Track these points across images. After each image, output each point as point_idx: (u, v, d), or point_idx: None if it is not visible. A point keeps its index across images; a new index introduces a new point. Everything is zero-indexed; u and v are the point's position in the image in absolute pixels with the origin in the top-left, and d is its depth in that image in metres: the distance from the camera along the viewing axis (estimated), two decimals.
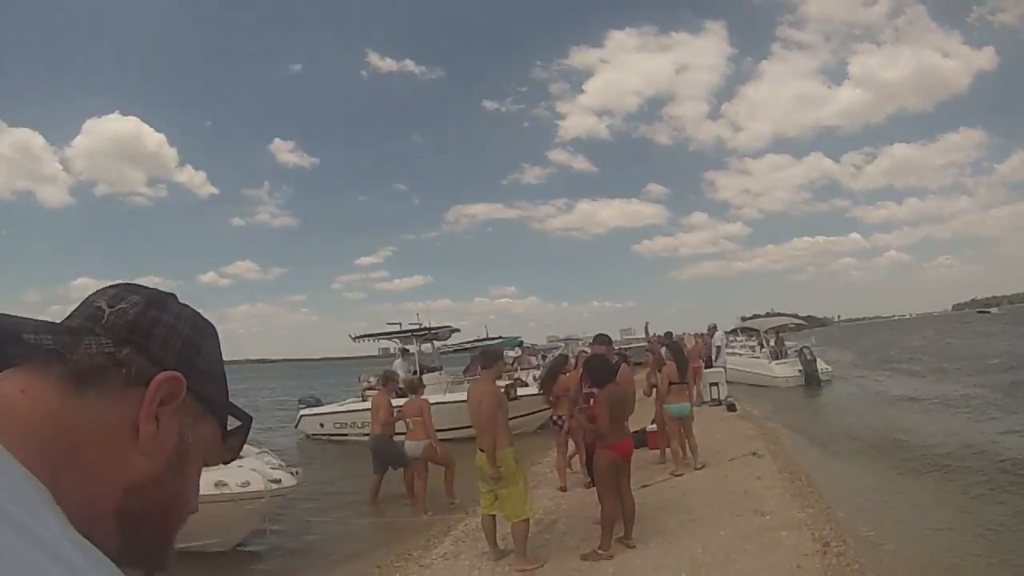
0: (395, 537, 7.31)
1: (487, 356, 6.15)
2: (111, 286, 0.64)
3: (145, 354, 0.58)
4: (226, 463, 0.72)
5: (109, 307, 0.60)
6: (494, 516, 5.54)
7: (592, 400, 5.66)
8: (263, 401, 31.84)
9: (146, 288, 0.65)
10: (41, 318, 0.58)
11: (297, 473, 7.67)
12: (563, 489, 7.81)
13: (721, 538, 5.19)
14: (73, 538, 0.43)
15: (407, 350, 16.45)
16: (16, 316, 0.57)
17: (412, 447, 8.25)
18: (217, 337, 0.68)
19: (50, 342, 0.54)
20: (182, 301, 0.66)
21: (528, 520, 5.37)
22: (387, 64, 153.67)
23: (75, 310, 0.61)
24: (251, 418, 0.71)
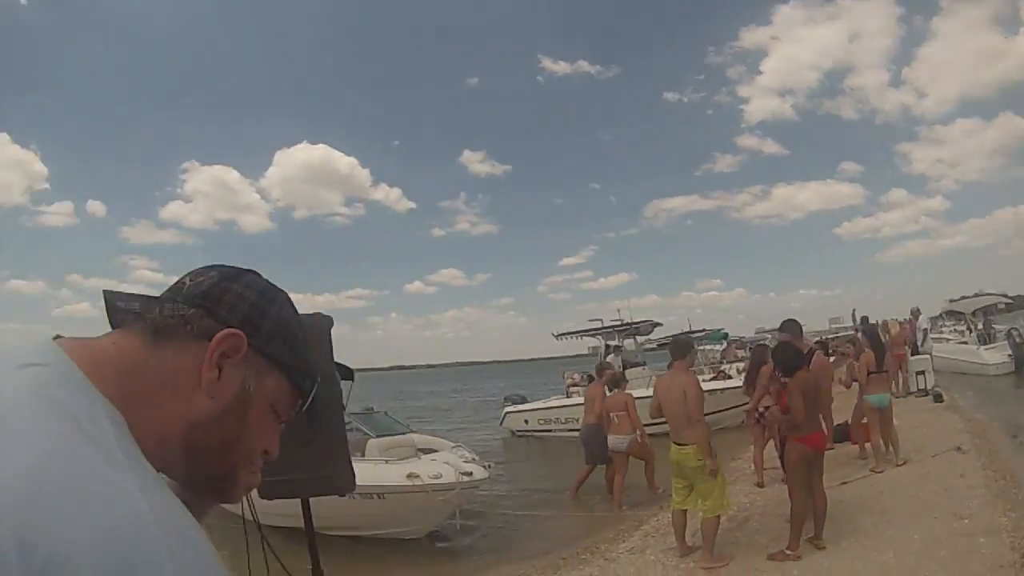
0: (587, 531, 7.53)
1: (679, 346, 5.91)
2: (202, 267, 0.77)
3: (212, 315, 0.70)
4: (305, 419, 0.83)
5: (190, 280, 0.74)
6: (685, 512, 5.57)
7: (783, 390, 5.47)
8: (471, 401, 33.91)
9: (227, 266, 0.78)
10: None
11: (489, 467, 8.12)
12: (760, 485, 7.67)
13: (915, 543, 4.94)
14: (126, 447, 0.57)
15: (618, 346, 16.80)
16: (126, 292, 0.73)
17: (616, 441, 8.32)
18: (288, 305, 0.79)
19: (136, 307, 0.70)
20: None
21: (719, 517, 5.35)
22: (561, 67, 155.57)
23: (170, 287, 0.75)
24: (316, 378, 0.82)
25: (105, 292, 0.73)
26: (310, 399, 0.81)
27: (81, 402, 0.58)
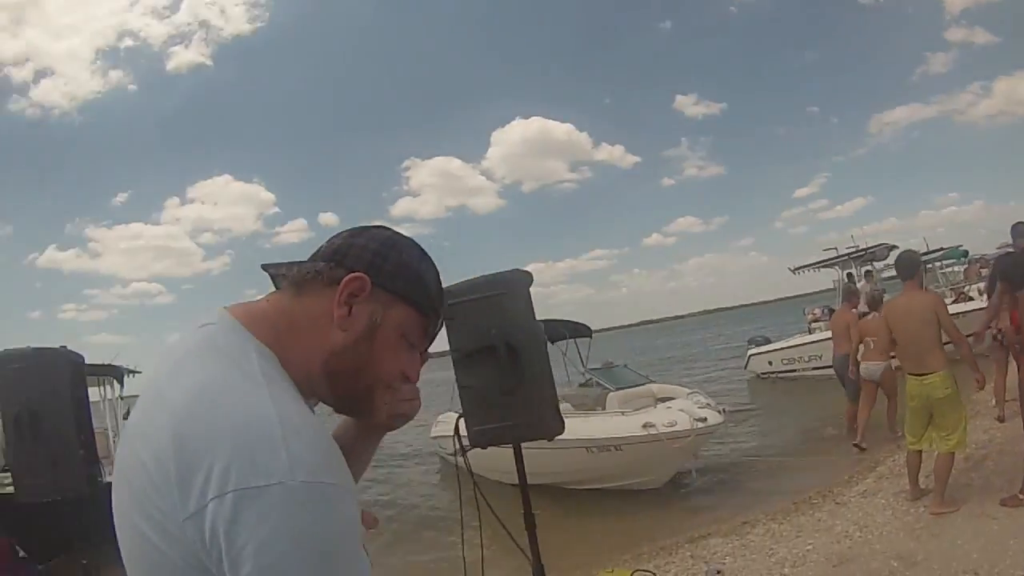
0: (823, 474, 7.26)
1: (904, 263, 5.32)
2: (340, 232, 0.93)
3: (341, 265, 0.84)
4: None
5: (327, 243, 0.90)
6: (920, 452, 5.25)
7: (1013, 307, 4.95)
8: (716, 348, 33.13)
9: (358, 227, 0.92)
10: None
11: (724, 411, 8.02)
12: (1000, 419, 6.78)
13: None
14: (267, 372, 0.74)
15: (869, 270, 15.61)
16: (277, 262, 0.91)
17: (869, 369, 7.77)
18: (412, 249, 0.91)
19: (284, 271, 0.88)
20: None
21: (954, 455, 4.98)
22: None
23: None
24: (435, 306, 0.92)
25: (262, 265, 0.92)
26: (440, 324, 0.95)
27: (235, 344, 0.78)
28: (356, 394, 0.89)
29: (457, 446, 2.93)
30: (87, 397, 3.61)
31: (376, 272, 0.86)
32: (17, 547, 6.67)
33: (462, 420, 2.91)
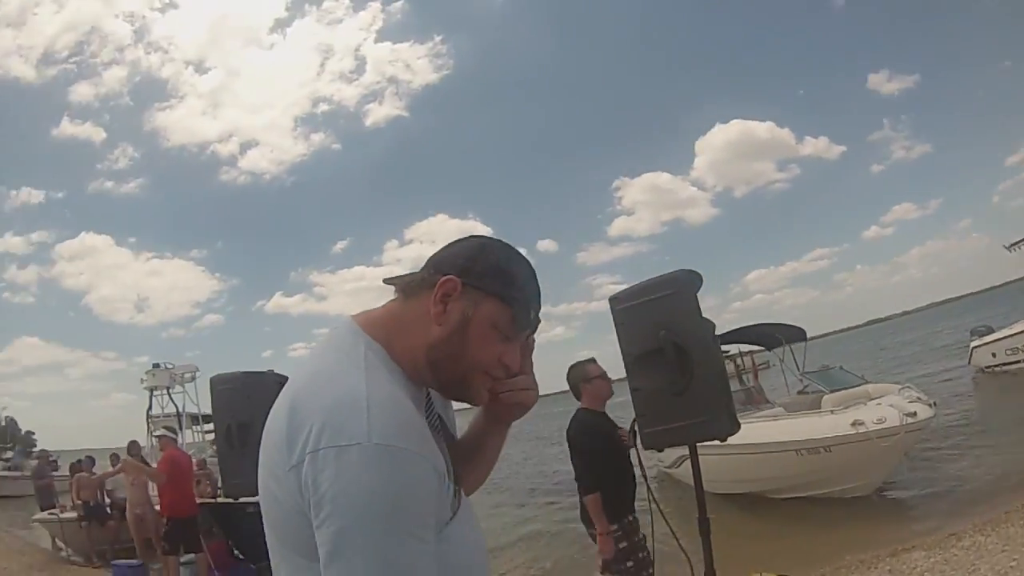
0: None
1: None
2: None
3: (438, 271, 0.98)
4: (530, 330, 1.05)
5: (433, 255, 1.05)
6: None
7: None
8: (937, 344, 29.40)
9: (462, 238, 1.06)
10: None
11: (934, 404, 7.40)
12: None
13: None
14: (370, 361, 0.92)
15: None
16: (394, 276, 1.07)
17: None
18: (500, 251, 1.02)
19: (396, 281, 1.04)
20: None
21: None
22: None
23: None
24: (524, 298, 1.01)
25: (384, 280, 1.07)
26: (534, 317, 1.04)
27: (349, 340, 0.97)
28: (456, 380, 1.01)
29: (637, 446, 3.00)
30: None
31: (467, 274, 0.98)
32: (234, 549, 7.63)
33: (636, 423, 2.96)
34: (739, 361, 11.85)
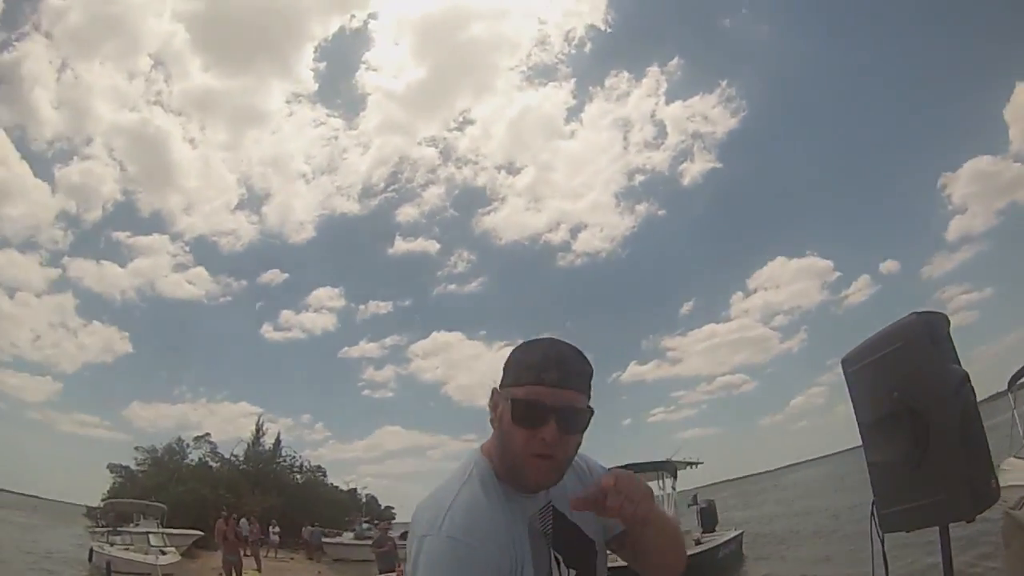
0: None
1: None
2: None
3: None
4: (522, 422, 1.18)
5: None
6: None
7: None
8: None
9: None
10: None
11: None
12: None
13: None
14: (471, 474, 1.19)
15: None
16: None
17: None
18: (518, 349, 1.23)
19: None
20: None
21: None
22: None
23: None
24: (528, 378, 1.17)
25: None
26: (548, 393, 1.15)
27: (465, 461, 1.25)
28: (516, 472, 1.19)
29: (873, 532, 2.53)
30: None
31: (502, 378, 1.22)
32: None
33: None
34: None
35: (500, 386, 1.21)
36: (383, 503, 41.82)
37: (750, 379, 57.83)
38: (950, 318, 2.45)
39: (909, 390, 2.29)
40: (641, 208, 58.72)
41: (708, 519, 17.28)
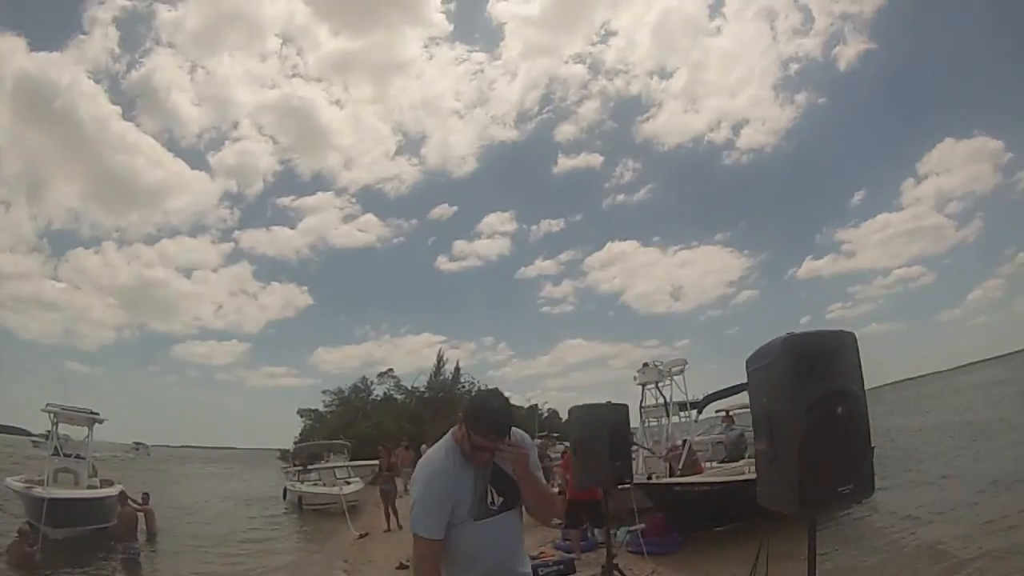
0: None
1: None
2: None
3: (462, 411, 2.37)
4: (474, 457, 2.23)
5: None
6: None
7: None
8: None
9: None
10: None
11: None
12: None
13: None
14: (443, 446, 2.33)
15: None
16: None
17: None
18: (474, 407, 2.30)
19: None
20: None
21: None
22: None
23: None
24: (473, 426, 2.21)
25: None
26: (483, 435, 2.18)
27: (446, 439, 2.35)
28: (468, 455, 2.23)
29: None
30: (621, 428, 5.38)
31: (464, 415, 2.26)
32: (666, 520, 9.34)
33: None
34: None
35: (463, 419, 2.22)
36: (565, 416, 43.25)
37: (927, 271, 52.92)
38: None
39: (772, 400, 2.70)
40: (800, 98, 54.25)
41: None
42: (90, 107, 53.04)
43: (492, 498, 2.26)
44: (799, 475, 2.49)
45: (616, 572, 5.14)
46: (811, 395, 2.52)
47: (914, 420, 28.16)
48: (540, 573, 7.76)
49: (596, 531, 9.23)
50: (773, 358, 2.65)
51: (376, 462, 19.65)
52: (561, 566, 7.74)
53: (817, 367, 2.56)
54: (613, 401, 5.47)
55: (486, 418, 2.17)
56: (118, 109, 49.08)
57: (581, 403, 5.50)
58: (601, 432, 4.99)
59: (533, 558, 8.44)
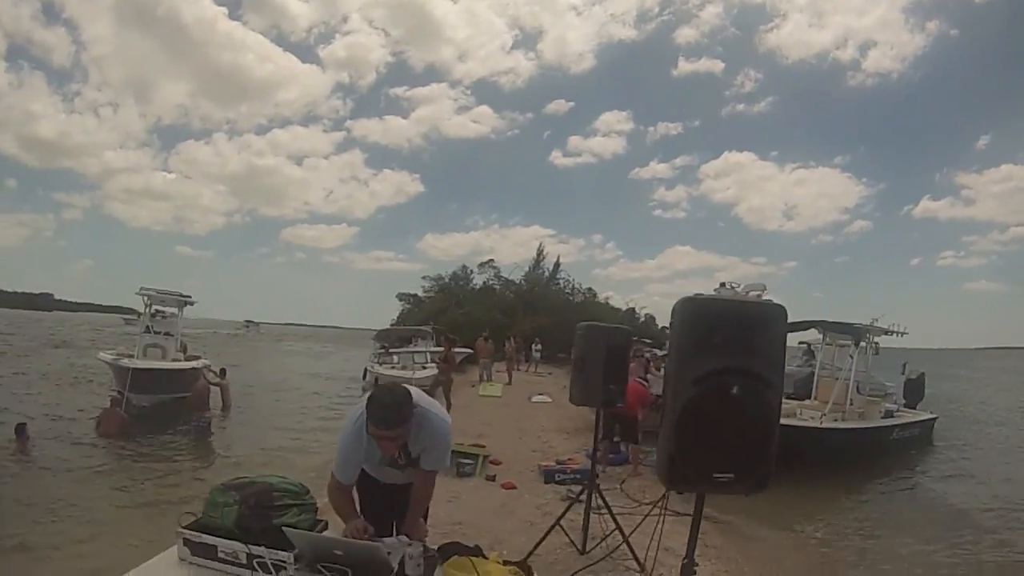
0: None
1: None
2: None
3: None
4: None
5: None
6: None
7: None
8: None
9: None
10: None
11: None
12: None
13: None
14: (355, 415, 2.62)
15: None
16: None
17: None
18: (373, 402, 2.45)
19: None
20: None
21: None
22: None
23: None
24: (369, 423, 2.49)
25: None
26: (375, 427, 2.44)
27: (358, 407, 2.59)
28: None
29: None
30: (620, 351, 5.14)
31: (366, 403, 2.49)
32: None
33: None
34: None
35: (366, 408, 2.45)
36: (663, 323, 43.00)
37: None
38: None
39: (671, 363, 2.42)
40: (932, 26, 46.61)
41: (912, 393, 15.85)
42: (194, 10, 54.40)
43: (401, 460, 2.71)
44: (670, 449, 2.26)
45: (596, 493, 5.14)
46: (700, 368, 2.21)
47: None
48: (556, 479, 8.01)
49: (628, 445, 9.24)
50: (675, 318, 2.34)
51: (463, 350, 20.57)
52: (577, 475, 7.86)
53: (717, 338, 2.23)
54: None
55: (374, 411, 2.41)
56: (224, 10, 50.07)
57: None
58: (599, 353, 4.86)
59: (559, 463, 8.76)
